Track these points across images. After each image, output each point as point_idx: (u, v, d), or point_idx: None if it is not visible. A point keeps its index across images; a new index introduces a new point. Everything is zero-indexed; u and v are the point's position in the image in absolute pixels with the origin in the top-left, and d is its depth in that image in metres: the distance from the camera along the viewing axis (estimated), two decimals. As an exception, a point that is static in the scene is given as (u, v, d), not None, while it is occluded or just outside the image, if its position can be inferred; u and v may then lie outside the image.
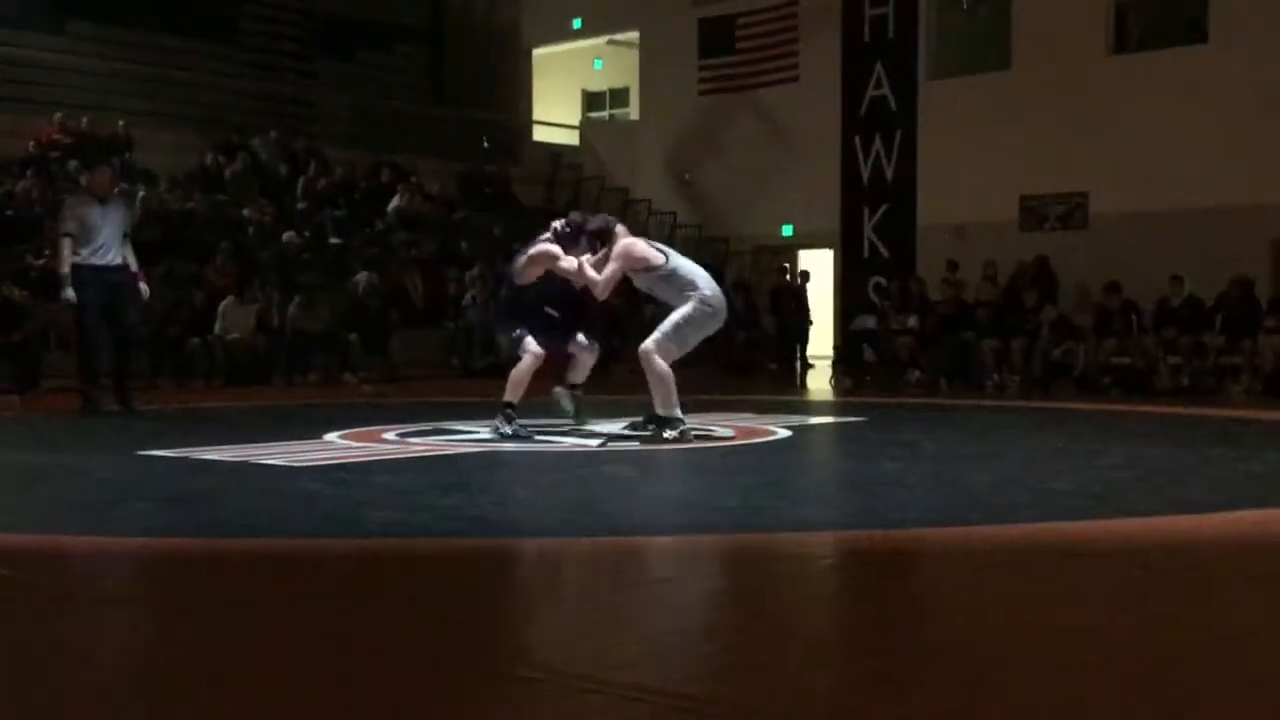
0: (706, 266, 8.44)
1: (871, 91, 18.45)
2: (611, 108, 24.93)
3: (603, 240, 7.55)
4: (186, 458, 6.52)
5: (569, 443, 7.24)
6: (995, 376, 14.35)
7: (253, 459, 6.38)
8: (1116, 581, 3.65)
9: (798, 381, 16.52)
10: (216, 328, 13.98)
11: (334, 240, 17.35)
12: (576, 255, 7.55)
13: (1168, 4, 17.42)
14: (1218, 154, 15.34)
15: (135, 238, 9.81)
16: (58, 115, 16.84)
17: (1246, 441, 7.93)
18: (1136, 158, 15.96)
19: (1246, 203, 15.03)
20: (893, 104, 18.25)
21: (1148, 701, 2.45)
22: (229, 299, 14.16)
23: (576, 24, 22.87)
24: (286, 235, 16.22)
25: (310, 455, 6.57)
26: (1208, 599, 3.47)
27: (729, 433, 7.83)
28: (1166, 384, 13.33)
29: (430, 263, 17.40)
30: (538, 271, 7.63)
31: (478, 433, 7.81)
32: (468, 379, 14.85)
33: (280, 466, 6.11)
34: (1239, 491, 5.49)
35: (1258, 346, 13.13)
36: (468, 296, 16.25)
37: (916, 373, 15.00)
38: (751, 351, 17.70)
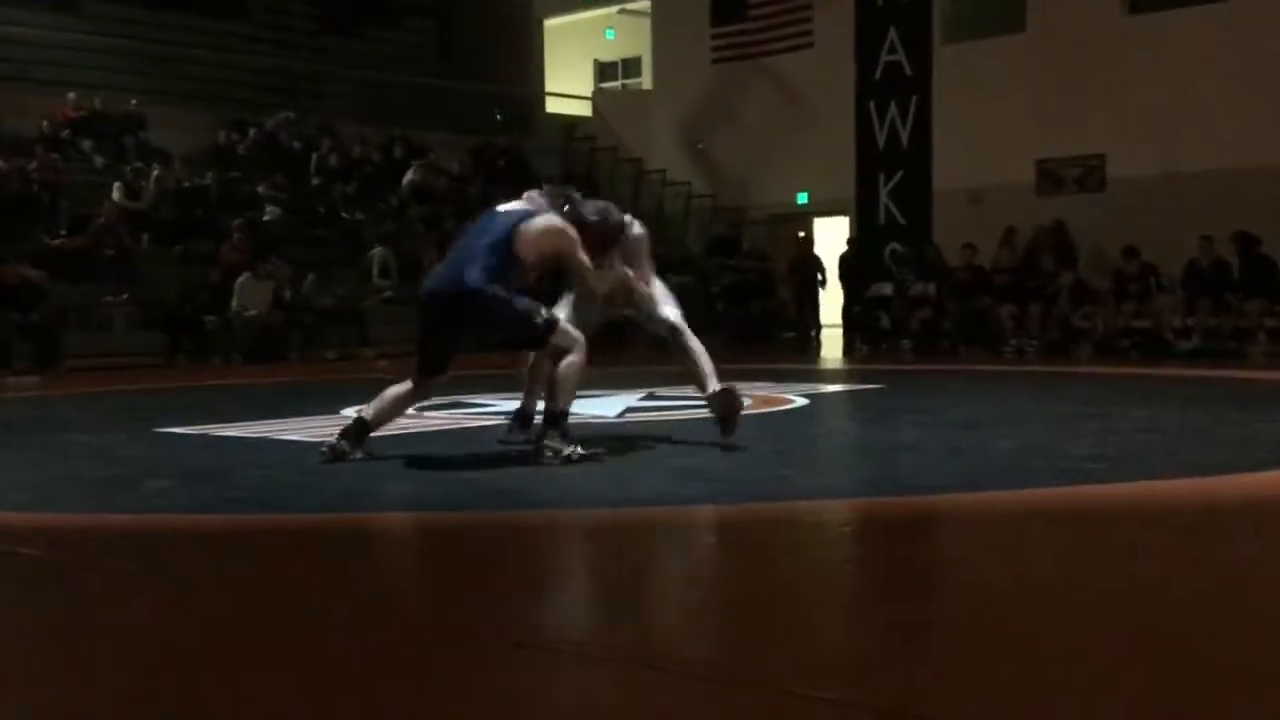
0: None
1: (886, 56, 18.30)
2: (624, 78, 24.83)
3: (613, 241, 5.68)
4: (205, 434, 6.55)
5: (585, 415, 7.22)
6: (1013, 342, 14.30)
7: (271, 435, 6.40)
8: (1136, 546, 3.64)
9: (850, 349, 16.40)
10: (233, 304, 14.01)
11: (346, 215, 17.34)
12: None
13: (1183, -37, 17.25)
14: (1235, 114, 15.20)
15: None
16: (71, 95, 16.86)
17: (1267, 403, 7.89)
18: (1153, 119, 15.82)
19: (1265, 164, 14.89)
20: (907, 69, 18.11)
21: (1172, 668, 2.44)
22: (244, 275, 14.18)
23: (587, -6, 22.79)
24: (270, 210, 16.17)
25: (329, 430, 6.56)
26: (1229, 561, 3.45)
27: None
28: (1186, 346, 13.27)
29: (447, 237, 17.37)
30: (541, 247, 5.60)
31: (493, 406, 7.80)
32: (484, 352, 14.83)
33: (299, 442, 6.13)
34: (1260, 453, 5.46)
35: (1276, 307, 13.04)
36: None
37: (944, 339, 14.96)
38: (766, 321, 17.66)
